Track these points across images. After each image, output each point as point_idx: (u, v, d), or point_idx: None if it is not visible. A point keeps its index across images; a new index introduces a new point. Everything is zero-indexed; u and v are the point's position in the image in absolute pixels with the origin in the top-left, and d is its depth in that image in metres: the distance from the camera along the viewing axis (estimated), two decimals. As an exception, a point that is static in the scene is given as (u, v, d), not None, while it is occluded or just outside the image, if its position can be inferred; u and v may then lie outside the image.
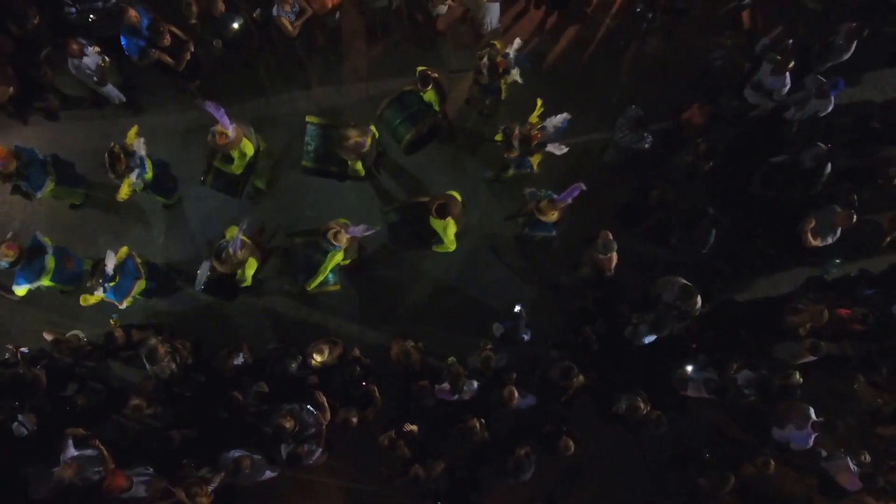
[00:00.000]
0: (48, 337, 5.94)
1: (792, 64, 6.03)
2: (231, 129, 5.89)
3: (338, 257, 5.88)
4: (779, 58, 6.10)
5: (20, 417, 5.50)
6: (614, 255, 5.64)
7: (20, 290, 5.85)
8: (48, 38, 6.47)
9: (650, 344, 5.77)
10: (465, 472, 5.70)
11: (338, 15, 6.76)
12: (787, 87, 6.19)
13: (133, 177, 5.96)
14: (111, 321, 6.14)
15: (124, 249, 5.93)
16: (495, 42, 6.22)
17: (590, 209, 6.46)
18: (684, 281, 5.56)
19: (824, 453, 5.63)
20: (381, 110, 6.35)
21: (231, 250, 5.60)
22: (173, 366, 5.91)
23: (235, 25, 6.42)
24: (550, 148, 5.91)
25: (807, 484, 6.06)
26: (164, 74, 6.70)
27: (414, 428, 5.67)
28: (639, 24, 7.31)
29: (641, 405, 5.52)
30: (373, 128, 6.13)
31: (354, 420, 5.46)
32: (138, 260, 6.12)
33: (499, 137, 6.30)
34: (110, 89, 6.63)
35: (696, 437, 6.11)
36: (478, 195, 6.96)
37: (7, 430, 5.46)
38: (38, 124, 6.99)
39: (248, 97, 7.23)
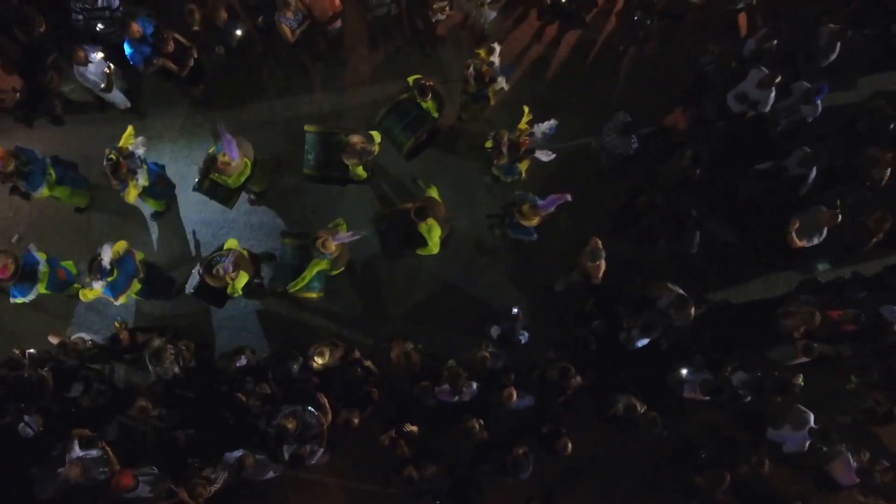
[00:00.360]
0: (53, 340, 5.99)
1: (779, 79, 6.05)
2: (236, 160, 5.92)
3: (322, 265, 5.88)
4: (766, 71, 6.16)
5: (26, 418, 5.55)
6: (602, 263, 5.65)
7: (17, 301, 5.86)
8: (54, 44, 6.40)
9: (647, 345, 5.83)
10: (464, 471, 5.77)
11: (339, 22, 6.74)
12: (772, 101, 6.21)
13: (139, 178, 5.94)
14: (116, 324, 6.20)
15: (122, 243, 5.86)
16: (480, 51, 6.22)
17: (583, 213, 6.52)
18: (680, 291, 5.58)
19: (825, 448, 5.66)
20: (379, 118, 6.39)
21: (222, 270, 5.58)
22: (176, 368, 5.97)
23: (238, 32, 6.51)
24: (538, 154, 5.97)
25: (802, 481, 6.12)
26: (167, 80, 6.75)
27: (414, 428, 5.74)
28: (636, 30, 7.32)
29: (638, 405, 5.59)
30: (374, 133, 6.06)
31: (356, 421, 5.53)
32: (138, 258, 6.06)
33: (489, 144, 6.35)
34: (116, 95, 6.71)
35: (692, 436, 6.18)
36: (475, 199, 6.95)
37: (13, 431, 5.51)
38: (43, 128, 7.03)
39: (251, 102, 7.25)
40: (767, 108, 6.23)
